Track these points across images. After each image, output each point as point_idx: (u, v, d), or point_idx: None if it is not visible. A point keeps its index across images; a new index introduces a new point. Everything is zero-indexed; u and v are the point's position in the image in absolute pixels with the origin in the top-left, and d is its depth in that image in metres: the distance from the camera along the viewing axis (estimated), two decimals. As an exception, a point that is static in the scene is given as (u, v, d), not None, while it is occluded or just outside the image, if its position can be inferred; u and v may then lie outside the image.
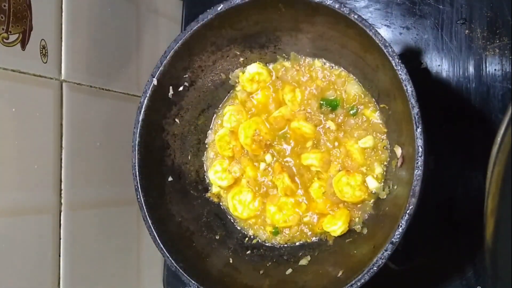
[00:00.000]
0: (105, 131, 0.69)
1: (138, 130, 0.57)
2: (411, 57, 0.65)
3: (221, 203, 0.65)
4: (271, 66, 0.63)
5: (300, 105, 0.61)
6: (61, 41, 0.61)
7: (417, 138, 0.45)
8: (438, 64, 0.65)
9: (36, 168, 0.57)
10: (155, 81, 0.56)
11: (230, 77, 0.64)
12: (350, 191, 0.57)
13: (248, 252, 0.62)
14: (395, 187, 0.54)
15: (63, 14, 0.61)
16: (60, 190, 0.60)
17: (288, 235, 0.62)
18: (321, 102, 0.60)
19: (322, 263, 0.57)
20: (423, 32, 0.65)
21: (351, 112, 0.59)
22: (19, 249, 0.54)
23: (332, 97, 0.60)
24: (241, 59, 0.63)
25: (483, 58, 0.63)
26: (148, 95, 0.57)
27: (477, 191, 0.61)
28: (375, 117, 0.58)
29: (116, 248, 0.70)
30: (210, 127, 0.66)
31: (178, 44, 0.55)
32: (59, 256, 0.60)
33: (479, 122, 0.63)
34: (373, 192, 0.57)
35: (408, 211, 0.45)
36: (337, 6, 0.48)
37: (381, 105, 0.57)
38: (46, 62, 0.59)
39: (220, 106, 0.66)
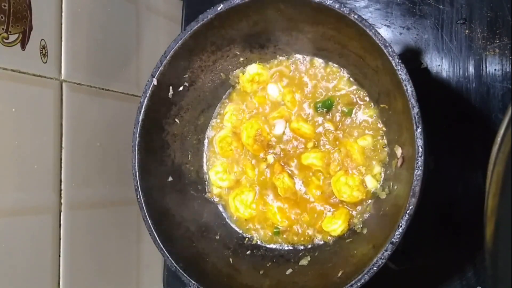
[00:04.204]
0: (105, 131, 0.69)
1: (138, 130, 0.57)
2: (411, 57, 0.65)
3: (221, 204, 0.65)
4: (270, 66, 0.63)
5: (299, 105, 0.61)
6: (61, 41, 0.61)
7: (417, 138, 0.45)
8: (438, 64, 0.65)
9: (36, 168, 0.57)
10: (155, 81, 0.56)
11: (230, 77, 0.64)
12: (348, 191, 0.57)
13: (248, 252, 0.62)
14: (395, 187, 0.54)
15: (63, 14, 0.61)
16: (60, 190, 0.60)
17: (288, 235, 0.62)
18: (317, 105, 0.60)
19: (322, 263, 0.57)
20: (423, 32, 0.65)
21: (346, 111, 0.59)
22: (19, 249, 0.54)
23: (327, 98, 0.60)
24: (241, 59, 0.63)
25: (483, 58, 0.63)
26: (148, 95, 0.57)
27: (477, 191, 0.61)
28: (373, 116, 0.58)
29: (116, 248, 0.70)
30: (210, 127, 0.66)
31: (178, 44, 0.55)
32: (59, 256, 0.60)
33: (479, 122, 0.63)
34: (373, 192, 0.57)
35: (408, 211, 0.45)
36: (337, 6, 0.48)
37: (381, 105, 0.57)
38: (46, 62, 0.59)
39: (220, 105, 0.66)
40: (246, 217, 0.63)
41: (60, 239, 0.60)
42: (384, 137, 0.57)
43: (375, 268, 0.46)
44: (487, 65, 0.62)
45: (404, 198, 0.46)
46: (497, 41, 0.62)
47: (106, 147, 0.69)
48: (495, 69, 0.62)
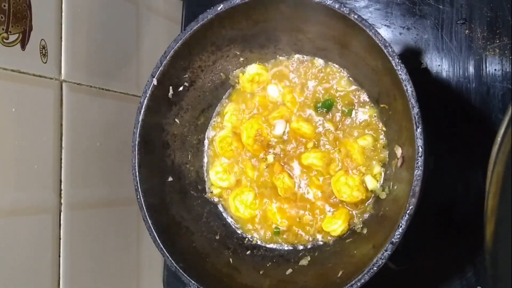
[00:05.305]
0: (105, 131, 0.69)
1: (138, 130, 0.57)
2: (411, 57, 0.65)
3: (221, 204, 0.65)
4: (271, 66, 0.63)
5: (299, 105, 0.61)
6: (61, 41, 0.61)
7: (417, 138, 0.45)
8: (438, 64, 0.65)
9: (36, 168, 0.57)
10: (155, 81, 0.56)
11: (230, 77, 0.64)
12: (348, 191, 0.57)
13: (248, 252, 0.62)
14: (395, 187, 0.54)
15: (63, 14, 0.61)
16: (60, 190, 0.60)
17: (288, 235, 0.62)
18: (317, 105, 0.60)
19: (322, 264, 0.57)
20: (423, 32, 0.65)
21: (346, 111, 0.59)
22: (19, 249, 0.54)
23: (327, 98, 0.60)
24: (241, 59, 0.63)
25: (483, 58, 0.63)
26: (148, 95, 0.57)
27: (477, 191, 0.61)
28: (373, 116, 0.58)
29: (116, 248, 0.70)
30: (211, 127, 0.66)
31: (178, 44, 0.55)
32: (59, 256, 0.60)
33: (479, 122, 0.63)
34: (373, 192, 0.57)
35: (408, 211, 0.45)
36: (337, 6, 0.48)
37: (381, 105, 0.57)
38: (46, 62, 0.58)
39: (220, 105, 0.66)
40: (246, 217, 0.63)
41: (60, 239, 0.60)
42: (384, 137, 0.57)
43: (375, 268, 0.46)
44: (487, 65, 0.62)
45: (404, 198, 0.46)
46: (497, 41, 0.62)
47: (106, 147, 0.69)
48: (495, 69, 0.62)
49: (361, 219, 0.58)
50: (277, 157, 0.62)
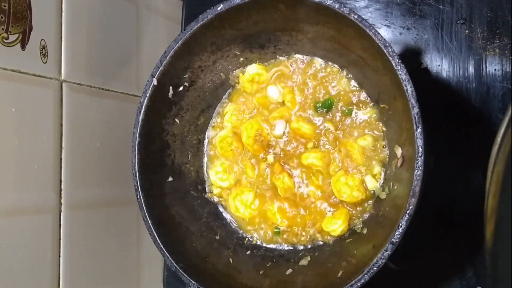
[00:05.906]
0: (105, 131, 0.69)
1: (138, 130, 0.57)
2: (411, 57, 0.65)
3: (221, 204, 0.65)
4: (271, 66, 0.63)
5: (299, 105, 0.61)
6: (61, 41, 0.61)
7: (417, 138, 0.45)
8: (438, 64, 0.65)
9: (36, 168, 0.57)
10: (155, 81, 0.56)
11: (230, 77, 0.64)
12: (348, 191, 0.57)
13: (248, 252, 0.62)
14: (395, 187, 0.54)
15: (63, 14, 0.61)
16: (60, 190, 0.60)
17: (288, 235, 0.62)
18: (317, 105, 0.60)
19: (322, 263, 0.57)
20: (423, 32, 0.65)
21: (346, 111, 0.59)
22: (19, 249, 0.54)
23: (327, 98, 0.60)
24: (241, 59, 0.63)
25: (483, 58, 0.63)
26: (148, 95, 0.57)
27: (477, 191, 0.61)
28: (373, 116, 0.58)
29: (116, 248, 0.70)
30: (210, 127, 0.66)
31: (178, 44, 0.56)
32: (59, 256, 0.60)
33: (479, 122, 0.63)
34: (373, 191, 0.57)
35: (408, 211, 0.45)
36: (337, 6, 0.48)
37: (381, 105, 0.57)
38: (46, 62, 0.59)
39: (220, 105, 0.66)
40: (246, 217, 0.63)
41: (60, 239, 0.60)
42: (384, 137, 0.57)
43: (375, 268, 0.46)
44: (487, 65, 0.62)
45: (404, 198, 0.46)
46: (497, 41, 0.62)
47: (106, 147, 0.69)
48: (495, 69, 0.62)
49: (361, 219, 0.58)
50: (277, 157, 0.62)
